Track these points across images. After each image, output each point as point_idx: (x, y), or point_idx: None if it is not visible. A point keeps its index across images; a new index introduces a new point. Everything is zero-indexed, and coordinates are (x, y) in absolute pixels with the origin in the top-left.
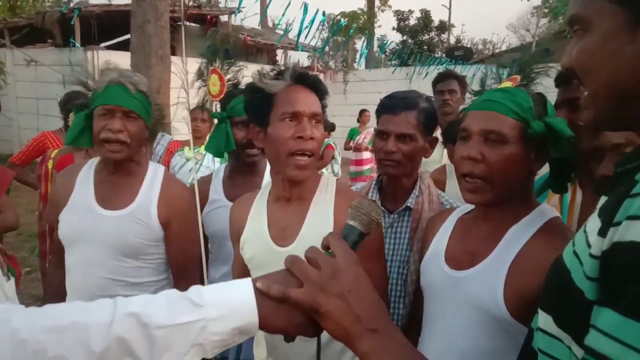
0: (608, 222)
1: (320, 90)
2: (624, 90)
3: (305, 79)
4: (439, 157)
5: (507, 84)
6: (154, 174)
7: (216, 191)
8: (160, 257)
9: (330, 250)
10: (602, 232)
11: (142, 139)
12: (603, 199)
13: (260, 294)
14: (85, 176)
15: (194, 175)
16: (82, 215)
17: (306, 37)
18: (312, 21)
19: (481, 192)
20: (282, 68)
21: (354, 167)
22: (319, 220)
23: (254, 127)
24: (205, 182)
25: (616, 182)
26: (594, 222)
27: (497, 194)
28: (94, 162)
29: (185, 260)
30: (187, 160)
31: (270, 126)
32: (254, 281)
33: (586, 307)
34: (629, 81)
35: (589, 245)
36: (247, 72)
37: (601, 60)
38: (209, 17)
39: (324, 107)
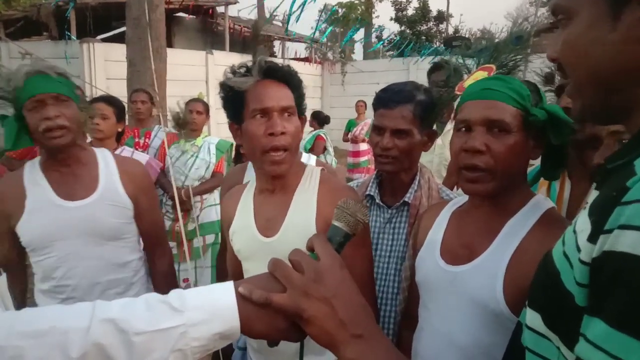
0: (598, 228)
1: (292, 82)
2: (607, 81)
3: (273, 73)
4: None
5: (480, 73)
6: (104, 156)
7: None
8: (134, 234)
9: (314, 252)
10: (592, 238)
11: (79, 121)
12: (594, 194)
13: (242, 298)
14: (33, 177)
15: (190, 166)
16: (49, 215)
17: (296, 21)
18: (303, 5)
19: (483, 181)
20: (250, 64)
21: (351, 158)
22: (302, 210)
23: (231, 124)
24: (240, 170)
25: (607, 177)
26: (583, 222)
27: (498, 184)
28: (34, 162)
29: (158, 229)
30: (183, 152)
31: (243, 123)
32: (236, 285)
33: (576, 311)
34: (612, 71)
35: (578, 249)
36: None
37: (584, 50)
38: (204, 7)
39: (300, 97)
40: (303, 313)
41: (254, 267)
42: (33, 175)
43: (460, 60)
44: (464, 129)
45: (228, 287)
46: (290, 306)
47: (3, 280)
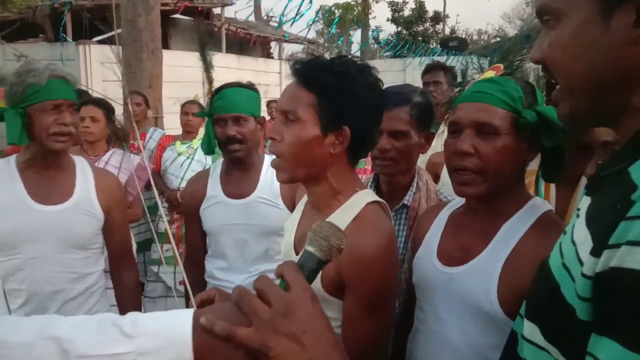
0: (601, 242)
1: (314, 86)
2: (598, 84)
3: (295, 73)
4: None
5: (489, 73)
6: (82, 165)
7: (214, 187)
8: (99, 246)
9: (284, 280)
10: (596, 252)
11: (78, 128)
12: (586, 201)
13: (200, 328)
14: (7, 176)
15: (185, 169)
16: (20, 216)
17: (292, 25)
18: (300, 7)
19: (473, 184)
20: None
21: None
22: None
23: None
24: (202, 177)
25: (600, 184)
26: (582, 233)
27: (489, 186)
28: (9, 161)
29: (126, 242)
30: (179, 154)
31: None
32: (197, 314)
33: (577, 325)
34: (603, 74)
35: (580, 262)
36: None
37: (574, 53)
38: (199, 8)
39: (331, 105)
40: (269, 351)
41: None
42: (7, 174)
43: (475, 60)
44: (455, 131)
45: (186, 315)
46: (255, 342)
47: None
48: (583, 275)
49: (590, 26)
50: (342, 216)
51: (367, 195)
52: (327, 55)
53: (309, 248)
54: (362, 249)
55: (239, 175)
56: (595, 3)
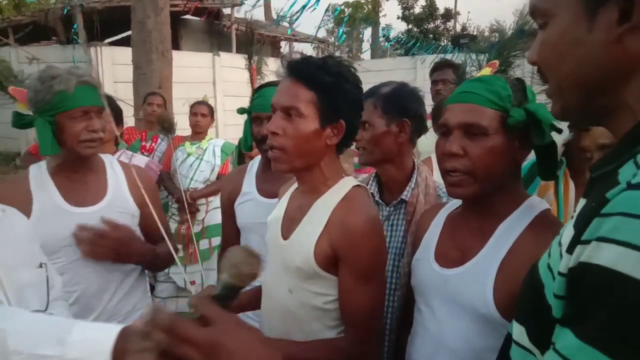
0: (576, 239)
1: (312, 82)
2: (587, 82)
3: (292, 70)
4: (432, 149)
5: (486, 70)
6: (111, 163)
7: (249, 183)
8: None
9: (193, 311)
10: (570, 249)
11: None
12: (582, 203)
13: (121, 346)
14: (41, 182)
15: (194, 169)
16: (58, 220)
17: (294, 22)
18: (304, 8)
19: (464, 185)
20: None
21: (357, 158)
22: (313, 223)
23: None
24: (240, 172)
25: (593, 186)
26: (569, 233)
27: (480, 187)
28: (40, 166)
29: (164, 227)
30: (189, 155)
31: None
32: (123, 332)
33: (553, 324)
34: (590, 73)
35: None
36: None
37: (561, 52)
38: (209, 8)
39: (329, 100)
40: None
41: (268, 266)
42: (40, 179)
43: (473, 57)
44: (444, 132)
45: (112, 331)
46: None
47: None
48: (559, 273)
49: (576, 25)
50: (332, 197)
51: (352, 180)
52: (337, 54)
53: (221, 275)
54: (353, 223)
55: (273, 174)
56: (580, 2)
